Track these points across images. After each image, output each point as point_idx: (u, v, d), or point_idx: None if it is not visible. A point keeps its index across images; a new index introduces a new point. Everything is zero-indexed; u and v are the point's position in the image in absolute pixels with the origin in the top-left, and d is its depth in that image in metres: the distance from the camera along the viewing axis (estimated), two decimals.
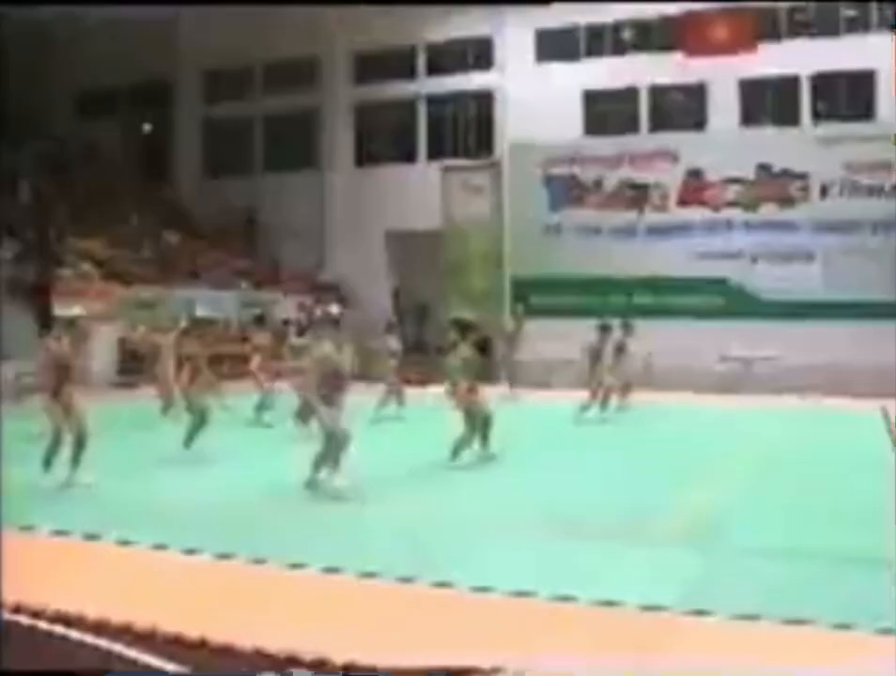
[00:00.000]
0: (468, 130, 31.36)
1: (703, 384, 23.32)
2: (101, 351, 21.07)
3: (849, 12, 27.02)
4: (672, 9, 27.60)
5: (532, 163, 29.65)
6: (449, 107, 31.37)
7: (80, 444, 9.18)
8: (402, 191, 30.92)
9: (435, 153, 31.47)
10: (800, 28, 27.11)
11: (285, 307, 27.16)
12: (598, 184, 29.21)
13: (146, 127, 35.85)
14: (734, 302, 27.52)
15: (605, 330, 15.55)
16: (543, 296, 29.53)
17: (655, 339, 25.63)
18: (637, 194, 28.81)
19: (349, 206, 32.00)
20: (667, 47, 28.21)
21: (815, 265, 26.92)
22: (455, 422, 10.43)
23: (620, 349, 17.35)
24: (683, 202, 28.31)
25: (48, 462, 9.06)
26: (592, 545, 6.57)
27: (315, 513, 8.01)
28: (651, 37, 28.61)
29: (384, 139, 32.72)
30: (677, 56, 27.95)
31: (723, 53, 27.29)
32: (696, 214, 28.17)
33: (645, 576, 5.73)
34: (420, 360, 28.09)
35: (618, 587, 5.40)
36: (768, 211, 27.51)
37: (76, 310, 9.48)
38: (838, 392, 20.86)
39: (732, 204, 27.85)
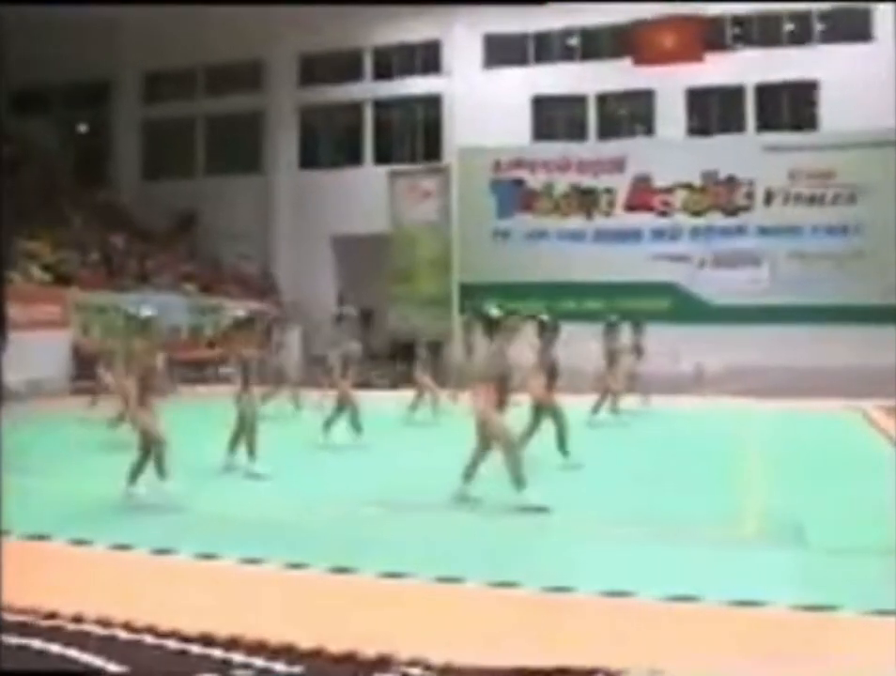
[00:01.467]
0: (415, 135, 31.25)
1: (658, 387, 23.38)
2: (53, 357, 20.23)
3: (790, 25, 27.71)
4: (621, 18, 27.92)
5: (480, 168, 29.66)
6: (396, 111, 31.23)
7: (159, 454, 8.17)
8: (348, 195, 30.61)
9: (382, 157, 31.26)
10: (745, 39, 27.66)
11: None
12: (547, 189, 29.34)
13: (83, 127, 34.94)
14: (683, 306, 27.85)
15: (612, 326, 14.69)
16: (492, 301, 29.36)
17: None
18: (585, 200, 29.03)
19: (294, 209, 31.56)
20: (616, 55, 28.52)
21: (761, 269, 27.43)
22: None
23: (638, 351, 16.72)
24: (631, 207, 28.62)
25: (136, 474, 8.04)
26: (701, 548, 6.33)
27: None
28: (600, 44, 28.91)
29: (330, 142, 32.39)
30: (626, 64, 28.26)
31: (671, 61, 27.70)
32: (644, 219, 28.50)
33: (778, 578, 5.52)
34: (376, 365, 27.84)
35: (757, 588, 5.20)
36: (715, 217, 27.92)
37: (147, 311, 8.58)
38: (790, 394, 21.13)
39: (679, 209, 28.22)
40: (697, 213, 28.12)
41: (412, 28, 30.15)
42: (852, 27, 26.85)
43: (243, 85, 32.19)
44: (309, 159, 32.24)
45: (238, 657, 4.07)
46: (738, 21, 27.80)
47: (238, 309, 26.69)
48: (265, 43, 31.11)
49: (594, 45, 28.99)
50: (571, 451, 9.64)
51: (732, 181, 27.78)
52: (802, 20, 27.41)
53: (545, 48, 29.49)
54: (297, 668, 3.97)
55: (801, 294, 26.75)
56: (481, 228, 29.66)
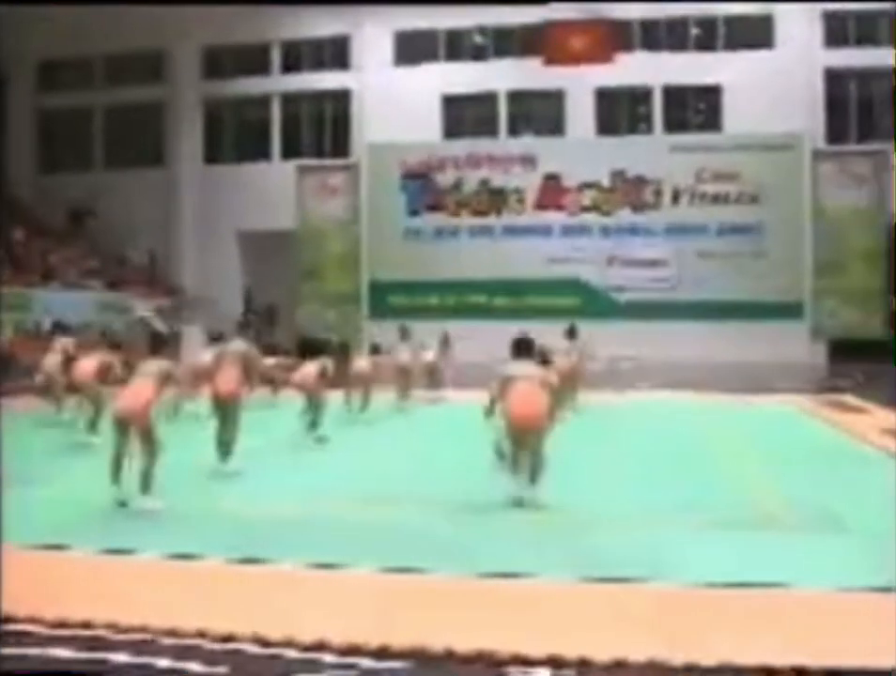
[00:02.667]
0: (324, 130, 30.79)
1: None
2: None
3: (693, 30, 28.37)
4: (532, 17, 28.10)
5: (390, 165, 29.41)
6: (305, 106, 30.73)
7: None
8: (255, 190, 29.94)
9: (290, 152, 30.68)
10: (653, 43, 28.17)
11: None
12: (457, 187, 29.27)
13: None
14: (591, 303, 28.09)
15: (572, 334, 14.21)
16: (402, 298, 29.29)
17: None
18: (495, 197, 29.06)
19: (198, 204, 30.73)
20: (526, 54, 28.68)
21: (668, 267, 27.90)
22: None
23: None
24: (540, 205, 28.77)
25: (150, 483, 7.40)
26: (777, 536, 6.15)
27: None
28: (511, 43, 29.03)
29: (236, 136, 31.63)
30: (536, 63, 28.43)
31: (581, 62, 27.99)
32: (554, 217, 28.67)
33: (864, 563, 5.38)
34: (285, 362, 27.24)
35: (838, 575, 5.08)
36: (623, 216, 28.30)
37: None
38: (703, 388, 21.46)
39: (588, 208, 28.51)
40: (606, 212, 28.44)
41: (321, 23, 29.73)
42: (755, 34, 27.64)
43: (144, 76, 31.25)
44: (214, 153, 31.45)
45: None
46: (646, 24, 28.26)
47: (146, 307, 26.21)
48: (167, 33, 30.17)
49: (505, 44, 29.08)
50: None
51: (640, 180, 28.21)
52: (708, 25, 28.08)
53: (456, 46, 29.46)
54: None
55: (706, 291, 27.33)
56: (391, 225, 29.40)
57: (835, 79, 27.49)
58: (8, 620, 4.28)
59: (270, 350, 30.18)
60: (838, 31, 27.44)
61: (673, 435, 11.32)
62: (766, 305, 26.81)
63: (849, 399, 14.58)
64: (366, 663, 3.88)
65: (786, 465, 9.11)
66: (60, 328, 21.77)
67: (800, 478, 8.38)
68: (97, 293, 24.14)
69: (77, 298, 22.74)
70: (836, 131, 27.66)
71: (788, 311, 26.98)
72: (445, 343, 18.70)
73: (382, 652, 3.94)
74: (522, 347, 8.04)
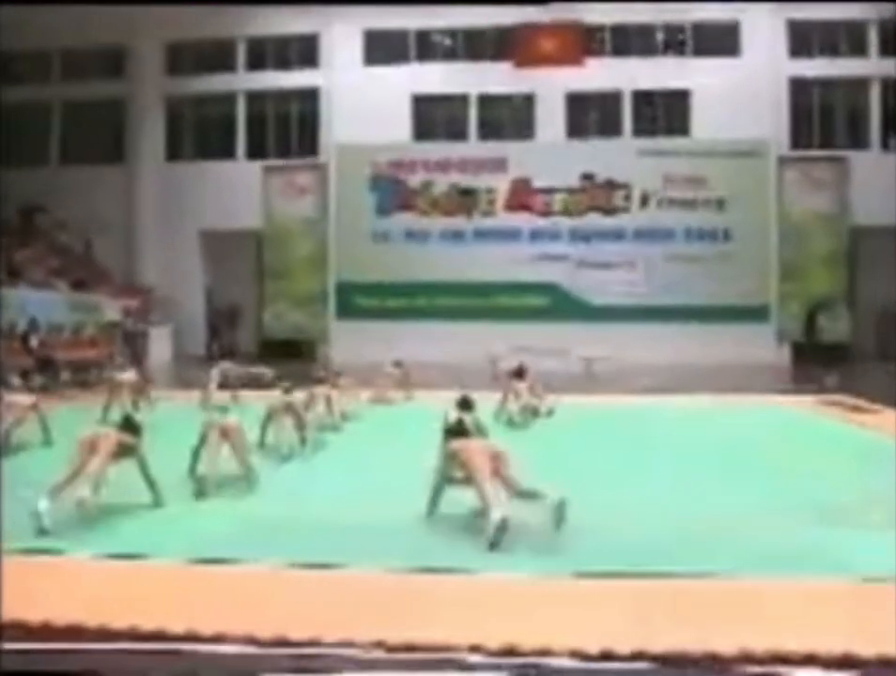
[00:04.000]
0: (291, 129, 30.40)
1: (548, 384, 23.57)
2: None
3: (662, 37, 28.74)
4: (504, 20, 28.19)
5: (359, 166, 29.20)
6: (271, 104, 30.29)
7: None
8: (219, 188, 29.48)
9: (255, 151, 30.25)
10: (623, 48, 28.46)
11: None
12: (427, 188, 29.19)
13: None
14: (561, 306, 28.28)
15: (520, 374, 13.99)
16: (370, 299, 29.14)
17: (486, 340, 26.16)
18: (465, 199, 29.05)
19: (161, 202, 30.06)
20: (497, 57, 28.76)
21: (637, 270, 28.21)
22: None
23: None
24: (511, 208, 28.84)
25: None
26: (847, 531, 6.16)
27: None
28: (482, 46, 29.06)
29: (200, 134, 31.02)
30: (507, 66, 28.52)
31: (552, 65, 28.16)
32: (523, 220, 28.76)
33: None
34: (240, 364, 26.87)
35: None
36: (593, 219, 28.52)
37: None
38: (675, 390, 21.70)
39: (558, 211, 28.67)
40: (575, 214, 28.64)
41: (289, 20, 29.40)
42: (722, 42, 28.13)
43: (105, 71, 30.51)
44: (176, 150, 30.80)
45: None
46: (616, 30, 28.53)
47: (114, 307, 25.61)
48: (129, 28, 29.53)
49: (477, 46, 29.10)
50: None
51: (609, 184, 28.47)
52: (676, 32, 28.49)
53: (426, 46, 29.39)
54: None
55: (673, 294, 27.71)
56: (359, 226, 29.18)
57: (799, 87, 28.11)
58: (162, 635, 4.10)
59: (230, 352, 30.20)
60: (802, 41, 28.05)
61: (714, 439, 11.12)
62: (733, 308, 27.28)
63: (846, 399, 14.80)
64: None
65: (847, 463, 9.05)
66: (35, 328, 21.29)
67: (872, 475, 8.30)
68: (68, 293, 23.46)
69: (48, 297, 22.08)
70: (799, 138, 28.28)
71: (754, 314, 27.51)
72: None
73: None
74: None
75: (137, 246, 30.14)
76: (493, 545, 5.58)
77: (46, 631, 4.13)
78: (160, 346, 27.17)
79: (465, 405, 8.44)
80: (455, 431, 6.83)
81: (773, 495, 7.55)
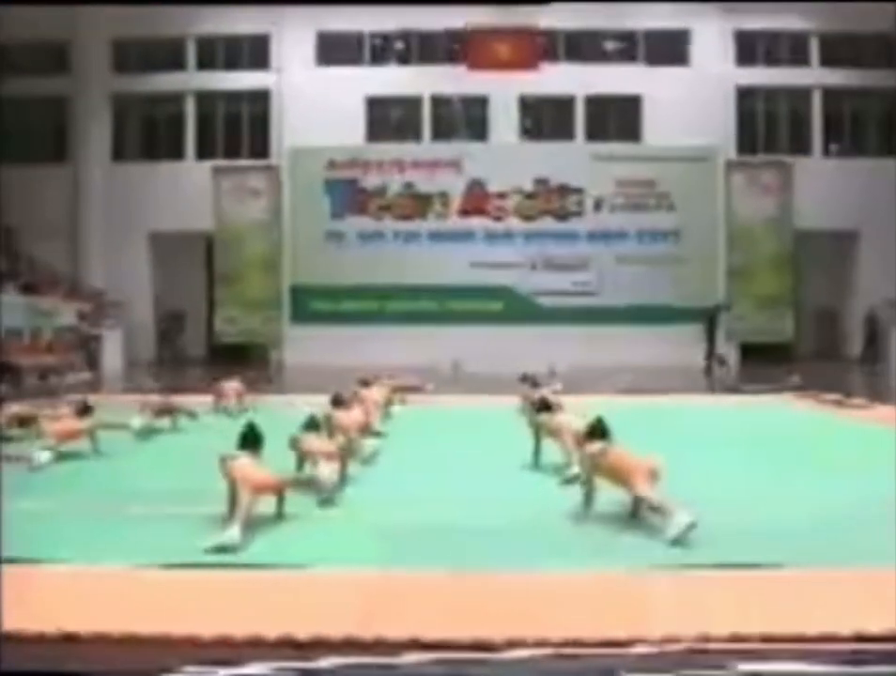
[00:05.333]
0: (241, 130, 30.02)
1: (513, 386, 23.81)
2: None
3: (614, 43, 29.29)
4: (457, 23, 28.36)
5: (312, 167, 29.00)
6: (221, 104, 29.84)
7: None
8: (168, 190, 28.97)
9: (205, 151, 29.78)
10: (576, 53, 28.89)
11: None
12: (381, 190, 29.16)
13: None
14: (515, 308, 28.58)
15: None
16: (324, 303, 29.00)
17: (442, 343, 26.37)
18: (420, 202, 29.12)
19: (107, 204, 29.34)
20: (450, 59, 28.93)
21: (590, 272, 28.68)
22: None
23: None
24: (465, 211, 29.02)
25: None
26: None
27: None
28: (435, 48, 29.16)
29: (147, 134, 30.39)
30: (461, 69, 28.70)
31: (506, 69, 28.43)
32: (477, 223, 28.98)
33: None
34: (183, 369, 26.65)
35: None
36: (546, 221, 28.90)
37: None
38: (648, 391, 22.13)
39: (512, 214, 28.96)
40: (529, 218, 28.97)
41: (240, 20, 29.04)
42: (672, 51, 28.80)
43: (48, 67, 29.65)
44: (123, 150, 30.12)
45: None
46: (570, 35, 28.95)
47: (68, 311, 24.98)
48: (74, 23, 28.77)
49: (430, 48, 29.19)
50: None
51: (563, 189, 28.86)
52: (628, 39, 29.05)
53: (380, 48, 29.37)
54: None
55: (625, 296, 28.25)
56: (313, 228, 28.99)
57: (745, 95, 28.96)
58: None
59: (177, 357, 29.75)
60: (748, 50, 28.92)
61: (758, 435, 11.08)
62: (683, 309, 27.90)
63: (829, 396, 15.26)
64: None
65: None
66: None
67: None
68: (23, 297, 22.77)
69: (4, 301, 21.41)
70: (746, 145, 29.14)
71: (703, 315, 28.16)
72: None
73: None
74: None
75: (83, 248, 29.38)
76: (675, 543, 5.69)
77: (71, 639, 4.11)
78: (111, 352, 26.59)
79: (545, 406, 8.54)
80: (594, 434, 6.82)
81: (862, 486, 7.57)
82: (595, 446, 6.52)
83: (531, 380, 13.85)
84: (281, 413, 13.67)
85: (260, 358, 29.12)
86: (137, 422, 10.60)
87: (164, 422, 11.35)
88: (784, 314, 28.80)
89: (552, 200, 28.90)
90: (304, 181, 29.01)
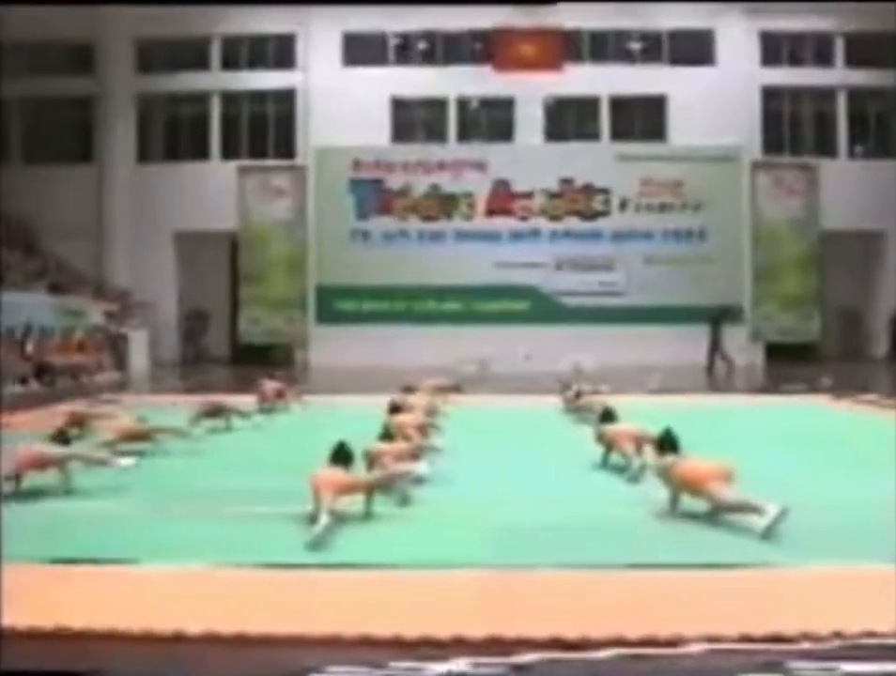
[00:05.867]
0: (267, 130, 30.08)
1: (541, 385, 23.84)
2: None
3: (639, 44, 29.29)
4: (483, 23, 28.40)
5: (338, 167, 29.05)
6: (246, 104, 29.92)
7: None
8: (193, 190, 29.01)
9: (230, 151, 29.84)
10: (600, 54, 28.91)
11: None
12: (406, 191, 29.20)
13: None
14: (541, 308, 28.60)
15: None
16: (349, 303, 29.06)
17: (467, 344, 26.43)
18: (445, 202, 29.15)
19: (132, 204, 29.41)
20: (476, 60, 28.97)
21: (615, 273, 28.68)
22: None
23: None
24: (490, 211, 29.04)
25: None
26: None
27: None
28: (461, 49, 29.22)
29: (172, 134, 30.48)
30: (486, 70, 28.74)
31: (531, 69, 28.46)
32: (503, 223, 29.00)
33: None
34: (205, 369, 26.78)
35: None
36: (571, 221, 28.91)
37: None
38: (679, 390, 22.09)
39: (537, 214, 28.98)
40: (555, 218, 28.99)
41: (266, 20, 29.10)
42: (697, 50, 28.80)
43: (72, 68, 29.78)
44: (148, 151, 30.23)
45: None
46: (595, 36, 28.98)
47: (97, 311, 25.13)
48: (99, 24, 28.86)
49: (456, 49, 29.24)
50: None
51: (588, 189, 28.89)
52: (653, 39, 29.06)
53: (406, 49, 29.42)
54: None
55: (650, 296, 28.23)
56: (338, 228, 29.03)
57: (770, 95, 28.95)
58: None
59: (201, 357, 29.83)
60: (773, 51, 28.91)
61: (811, 435, 11.10)
62: (708, 309, 27.80)
63: (867, 397, 15.24)
64: None
65: None
66: (30, 333, 20.79)
67: None
68: (55, 297, 22.90)
69: (37, 301, 21.55)
70: (771, 145, 29.12)
71: (728, 315, 28.13)
72: None
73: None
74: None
75: (108, 248, 29.47)
76: (765, 536, 5.74)
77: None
78: (137, 351, 26.69)
79: (607, 416, 8.68)
80: (663, 447, 6.94)
81: None
82: (668, 459, 6.67)
83: (566, 386, 13.92)
84: (328, 412, 13.91)
85: (284, 358, 29.18)
86: (196, 423, 10.67)
87: (217, 422, 11.45)
88: (810, 315, 28.79)
89: (578, 200, 28.93)
90: (329, 181, 29.05)
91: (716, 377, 23.07)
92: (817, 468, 8.59)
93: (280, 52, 29.60)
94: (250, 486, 7.66)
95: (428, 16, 28.36)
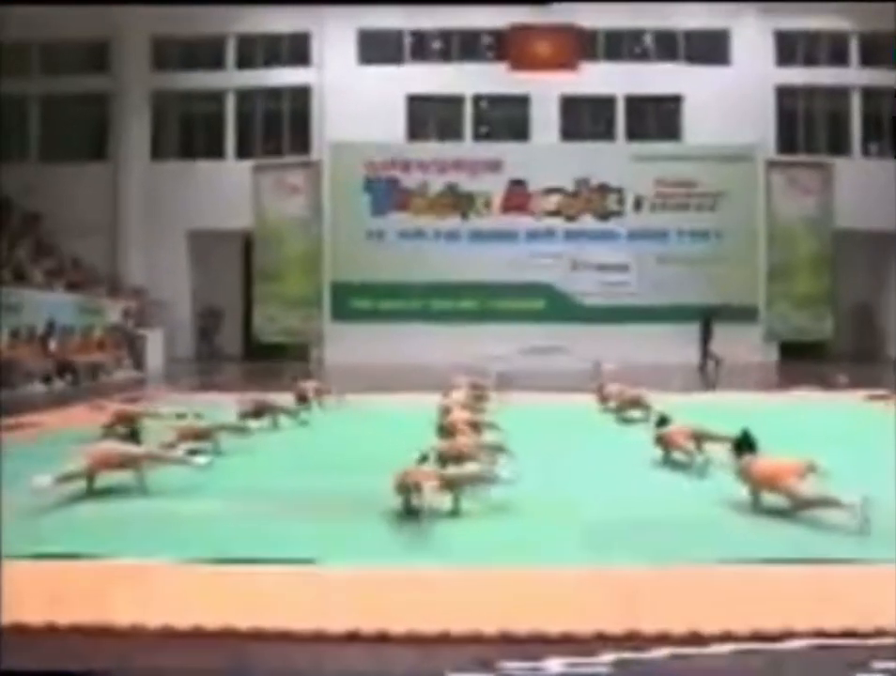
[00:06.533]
0: (282, 128, 30.09)
1: (558, 384, 23.89)
2: None
3: (654, 43, 29.34)
4: (499, 22, 28.44)
5: (353, 165, 29.07)
6: (261, 102, 29.92)
7: None
8: (208, 188, 28.99)
9: (245, 149, 29.84)
10: (616, 53, 28.97)
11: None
12: (422, 189, 29.22)
13: None
14: (556, 307, 28.67)
15: None
16: (364, 301, 29.10)
17: (483, 341, 26.54)
18: (461, 201, 29.18)
19: (146, 202, 29.40)
20: (492, 59, 29.02)
21: (630, 272, 28.75)
22: None
23: None
24: (506, 210, 29.08)
25: None
26: None
27: None
28: (477, 47, 29.27)
29: (187, 132, 30.48)
30: (502, 68, 28.78)
31: (546, 68, 28.51)
32: (519, 222, 29.05)
33: None
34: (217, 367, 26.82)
35: None
36: (587, 221, 28.98)
37: None
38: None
39: (553, 213, 29.03)
40: (570, 217, 29.05)
41: (281, 18, 29.10)
42: (712, 50, 28.88)
43: (88, 65, 29.78)
44: (162, 148, 30.22)
45: None
46: (610, 35, 29.04)
47: (115, 309, 25.14)
48: (114, 22, 28.85)
49: (471, 48, 29.29)
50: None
51: (603, 188, 28.95)
52: (668, 39, 29.12)
53: (421, 47, 29.45)
54: None
55: (665, 295, 28.28)
56: (354, 226, 29.06)
57: (785, 95, 29.04)
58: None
59: (214, 355, 29.84)
60: (788, 50, 29.01)
61: (865, 438, 10.88)
62: (722, 308, 27.90)
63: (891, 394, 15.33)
64: None
65: None
66: (53, 331, 20.80)
67: None
68: (75, 295, 22.92)
69: (58, 299, 21.58)
70: (786, 144, 29.22)
71: (743, 314, 28.27)
72: None
73: None
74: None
75: (122, 246, 29.48)
76: (862, 531, 5.83)
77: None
78: (153, 350, 26.69)
79: (663, 421, 8.79)
80: (741, 448, 7.06)
81: None
82: (745, 459, 6.89)
83: (601, 386, 13.99)
84: (367, 411, 13.95)
85: (298, 356, 29.20)
86: (252, 421, 10.71)
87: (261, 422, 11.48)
88: (824, 314, 28.89)
89: (593, 200, 28.99)
90: (345, 179, 29.07)
91: (709, 376, 23.14)
92: (881, 468, 8.50)
93: (295, 50, 29.60)
94: (325, 485, 7.76)
95: (444, 14, 28.39)
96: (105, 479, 7.46)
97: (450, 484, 6.55)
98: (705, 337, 25.40)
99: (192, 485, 7.57)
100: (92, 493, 7.29)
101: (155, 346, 26.83)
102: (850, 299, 29.79)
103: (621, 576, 5.08)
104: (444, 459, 7.62)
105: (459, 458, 7.60)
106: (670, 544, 5.81)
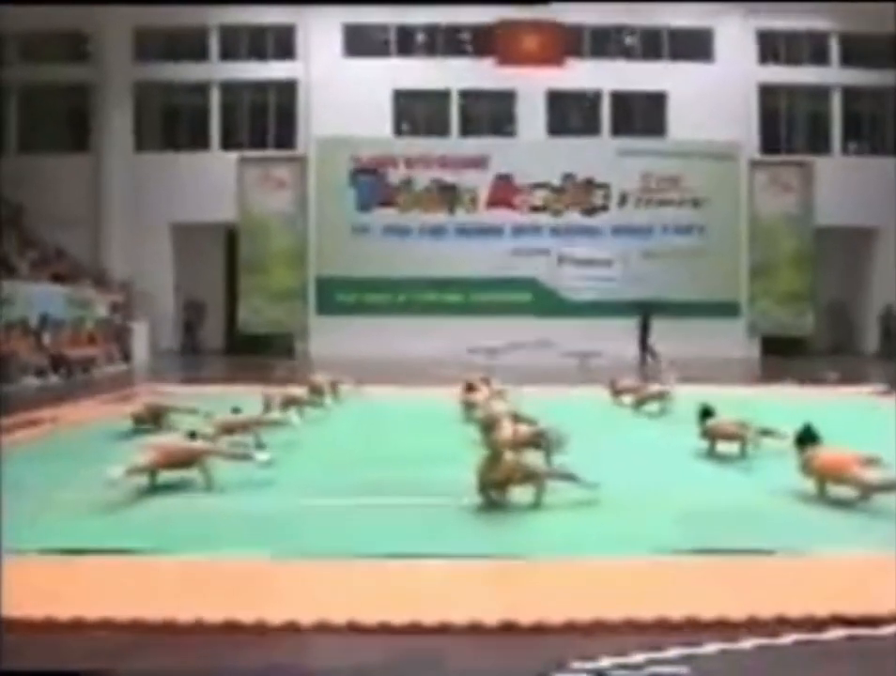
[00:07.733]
0: (267, 121, 29.92)
1: (546, 376, 24.07)
2: None
3: (639, 40, 29.58)
4: (486, 17, 28.49)
5: (340, 160, 29.02)
6: (247, 95, 29.72)
7: None
8: (192, 180, 28.68)
9: (230, 142, 29.66)
10: (602, 49, 29.18)
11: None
12: (408, 184, 29.24)
13: None
14: (542, 301, 28.85)
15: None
16: (349, 294, 29.07)
17: (468, 335, 26.71)
18: (447, 196, 29.23)
19: (129, 194, 29.12)
20: (478, 54, 29.08)
21: (615, 267, 28.99)
22: None
23: None
24: (492, 205, 29.17)
25: None
26: None
27: None
28: (463, 42, 29.31)
29: (170, 124, 30.23)
30: (489, 63, 28.86)
31: (533, 64, 28.62)
32: (505, 217, 29.16)
33: None
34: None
35: None
36: (573, 216, 29.17)
37: None
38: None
39: (539, 208, 29.18)
40: (556, 212, 29.21)
41: (265, 10, 28.90)
42: (696, 47, 29.19)
43: (68, 56, 29.38)
44: (145, 140, 29.89)
45: None
46: (596, 31, 29.23)
47: (103, 302, 24.86)
48: (96, 11, 28.45)
49: (457, 43, 29.33)
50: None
51: (589, 184, 29.15)
52: (653, 36, 29.37)
53: (407, 41, 29.41)
54: None
55: (650, 290, 28.46)
56: (340, 221, 28.99)
57: (768, 93, 29.44)
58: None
59: (197, 348, 29.65)
60: (770, 49, 29.41)
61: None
62: (706, 304, 28.33)
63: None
64: None
65: None
66: (46, 325, 20.56)
67: None
68: (64, 288, 22.64)
69: (49, 292, 21.31)
70: (768, 143, 29.63)
71: (726, 309, 28.67)
72: None
73: None
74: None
75: (104, 238, 29.15)
76: None
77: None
78: (138, 343, 26.47)
79: (707, 412, 8.94)
80: (804, 441, 7.23)
81: None
82: (808, 452, 7.09)
83: (614, 381, 14.18)
84: (384, 403, 13.98)
85: (282, 349, 29.11)
86: (294, 416, 10.66)
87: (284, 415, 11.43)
88: (804, 310, 29.35)
89: (579, 195, 29.18)
90: (330, 173, 28.99)
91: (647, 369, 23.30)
92: None
93: (280, 42, 29.43)
94: (382, 477, 7.80)
95: (430, 9, 28.34)
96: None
97: (533, 478, 6.65)
98: (644, 332, 25.84)
99: (249, 481, 7.54)
100: (156, 488, 7.28)
101: (141, 339, 26.60)
102: (828, 295, 30.26)
103: (709, 565, 5.27)
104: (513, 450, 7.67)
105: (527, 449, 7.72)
106: (761, 532, 5.98)
